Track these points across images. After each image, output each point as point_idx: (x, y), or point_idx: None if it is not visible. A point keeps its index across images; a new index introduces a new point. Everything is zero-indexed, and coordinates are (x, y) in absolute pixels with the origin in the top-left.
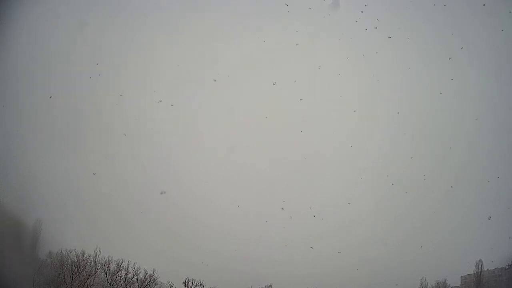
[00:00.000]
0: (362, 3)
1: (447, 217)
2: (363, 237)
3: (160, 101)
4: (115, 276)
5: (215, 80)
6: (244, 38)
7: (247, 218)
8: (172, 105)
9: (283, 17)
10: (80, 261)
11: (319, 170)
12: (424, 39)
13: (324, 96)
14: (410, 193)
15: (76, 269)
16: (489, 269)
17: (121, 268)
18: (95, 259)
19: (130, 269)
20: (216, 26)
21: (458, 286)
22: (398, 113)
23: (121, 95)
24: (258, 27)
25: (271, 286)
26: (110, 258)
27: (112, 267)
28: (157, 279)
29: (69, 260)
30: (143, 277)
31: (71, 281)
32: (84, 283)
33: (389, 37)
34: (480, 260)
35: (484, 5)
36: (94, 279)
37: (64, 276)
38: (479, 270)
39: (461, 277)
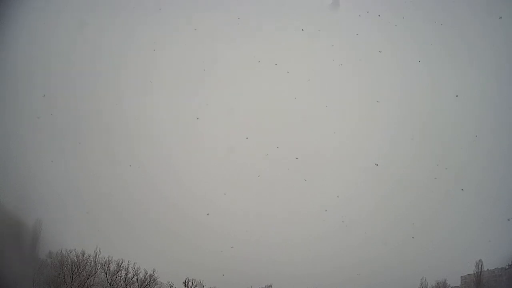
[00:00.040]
0: (362, 3)
1: (447, 217)
2: (363, 237)
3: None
4: (115, 276)
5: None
6: (244, 38)
7: (247, 218)
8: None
9: (283, 17)
10: (80, 261)
11: (319, 170)
12: (424, 39)
13: (324, 96)
14: (410, 193)
15: (76, 269)
16: (489, 269)
17: (121, 268)
18: (95, 259)
19: (130, 269)
20: (216, 26)
21: (458, 286)
22: (398, 113)
23: (121, 95)
24: (258, 27)
25: (271, 286)
26: (110, 258)
27: (112, 267)
28: (157, 279)
29: (69, 260)
30: (143, 277)
31: (71, 281)
32: (84, 283)
33: (389, 37)
34: (480, 260)
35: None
36: (94, 279)
37: (64, 276)
38: (479, 270)
39: (461, 277)
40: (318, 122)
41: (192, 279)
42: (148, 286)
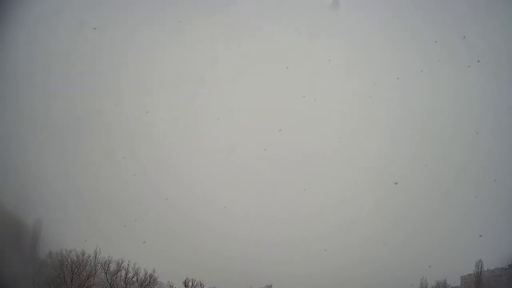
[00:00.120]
0: (362, 3)
1: (447, 217)
2: (363, 237)
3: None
4: (115, 276)
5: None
6: (244, 38)
7: (247, 218)
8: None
9: (283, 17)
10: (80, 261)
11: (319, 170)
12: (424, 39)
13: (324, 96)
14: (410, 193)
15: (76, 269)
16: (489, 269)
17: (121, 268)
18: (95, 259)
19: (130, 269)
20: (216, 26)
21: (458, 286)
22: (398, 113)
23: (119, 97)
24: (258, 27)
25: (271, 286)
26: (110, 258)
27: (112, 267)
28: (157, 279)
29: (69, 260)
30: (143, 277)
31: (71, 281)
32: (84, 283)
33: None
34: (480, 260)
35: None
36: (94, 279)
37: (64, 276)
38: (479, 270)
39: (461, 277)
40: (318, 122)
41: (192, 279)
42: (148, 286)
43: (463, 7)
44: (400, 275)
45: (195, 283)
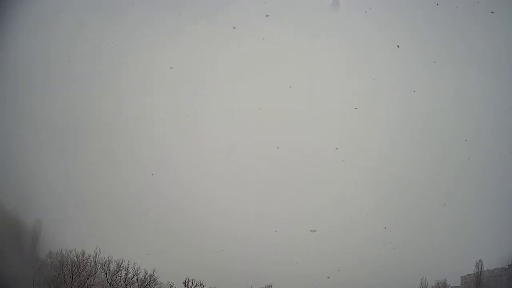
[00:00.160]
0: (362, 3)
1: (447, 217)
2: (363, 237)
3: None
4: (115, 276)
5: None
6: (244, 38)
7: (247, 218)
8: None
9: (283, 17)
10: (80, 261)
11: (319, 170)
12: (424, 39)
13: (324, 96)
14: (410, 193)
15: (76, 269)
16: (489, 269)
17: (121, 268)
18: (95, 259)
19: (130, 269)
20: (216, 26)
21: (458, 286)
22: (398, 113)
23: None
24: (258, 27)
25: (271, 286)
26: (110, 258)
27: (112, 267)
28: (157, 279)
29: (69, 260)
30: (143, 277)
31: (71, 281)
32: (84, 283)
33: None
34: (480, 260)
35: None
36: (94, 279)
37: (64, 276)
38: (479, 270)
39: (461, 277)
40: (318, 122)
41: (192, 279)
42: (148, 286)
43: (463, 7)
44: (400, 275)
45: (195, 283)
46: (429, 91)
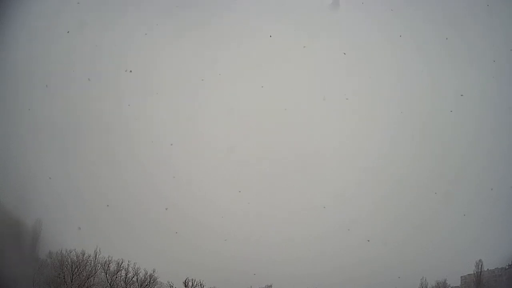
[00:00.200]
0: (362, 3)
1: (447, 217)
2: (363, 237)
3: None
4: (115, 276)
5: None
6: (244, 38)
7: (247, 218)
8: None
9: (283, 17)
10: (80, 261)
11: (319, 170)
12: (424, 39)
13: (324, 96)
14: (410, 193)
15: (76, 269)
16: (489, 269)
17: (121, 268)
18: (95, 259)
19: (130, 269)
20: (216, 26)
21: (458, 286)
22: (398, 113)
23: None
24: (258, 27)
25: (271, 286)
26: (110, 258)
27: (112, 267)
28: (157, 279)
29: (69, 260)
30: (143, 277)
31: (71, 281)
32: (84, 283)
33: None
34: (480, 260)
35: (488, 5)
36: (94, 279)
37: (64, 276)
38: (479, 270)
39: (461, 277)
40: (318, 122)
41: (192, 279)
42: (148, 286)
43: (463, 7)
44: (400, 275)
45: (195, 283)
46: (429, 91)
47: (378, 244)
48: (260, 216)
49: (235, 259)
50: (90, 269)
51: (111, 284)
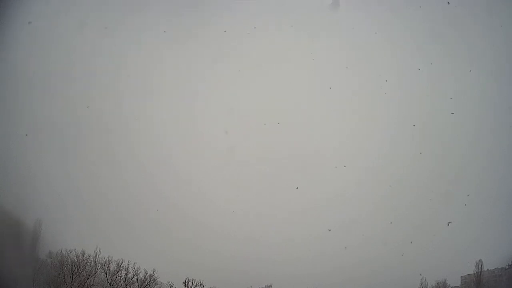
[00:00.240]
0: (362, 3)
1: (447, 217)
2: (363, 237)
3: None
4: (115, 276)
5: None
6: (244, 38)
7: (247, 218)
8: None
9: (283, 17)
10: (80, 261)
11: (319, 170)
12: (424, 39)
13: (324, 96)
14: (410, 193)
15: (76, 269)
16: (489, 269)
17: (121, 268)
18: (95, 259)
19: (130, 269)
20: (216, 26)
21: (458, 286)
22: (398, 113)
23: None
24: (258, 27)
25: (271, 286)
26: (110, 258)
27: (112, 267)
28: (157, 279)
29: (69, 260)
30: (143, 277)
31: (71, 281)
32: (84, 283)
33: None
34: (480, 260)
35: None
36: (94, 279)
37: (64, 276)
38: (479, 270)
39: (461, 277)
40: (318, 122)
41: (192, 279)
42: (148, 286)
43: (463, 7)
44: (400, 275)
45: (195, 283)
46: (429, 91)
47: (378, 244)
48: (260, 216)
49: (235, 259)
50: (90, 269)
51: (111, 284)
